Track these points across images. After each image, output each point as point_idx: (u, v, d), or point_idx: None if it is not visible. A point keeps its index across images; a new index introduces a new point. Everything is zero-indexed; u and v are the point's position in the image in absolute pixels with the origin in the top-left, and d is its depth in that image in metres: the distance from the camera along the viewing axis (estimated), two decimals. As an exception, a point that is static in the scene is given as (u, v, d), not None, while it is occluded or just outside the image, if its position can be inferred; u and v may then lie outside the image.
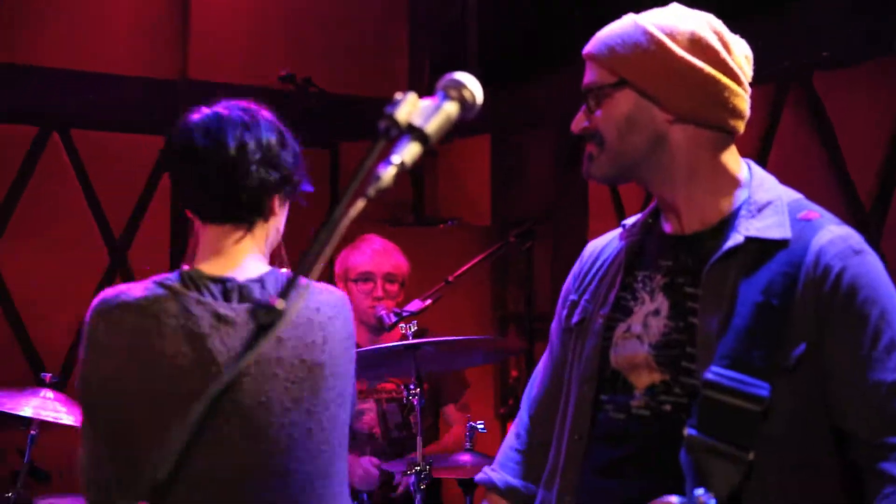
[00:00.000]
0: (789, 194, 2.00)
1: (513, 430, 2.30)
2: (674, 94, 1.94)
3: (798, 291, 1.86)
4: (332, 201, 5.23)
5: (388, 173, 1.40)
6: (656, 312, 2.00)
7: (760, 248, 1.91)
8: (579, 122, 1.99)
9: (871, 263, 1.91)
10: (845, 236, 1.91)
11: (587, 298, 2.14)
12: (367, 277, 4.28)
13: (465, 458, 3.89)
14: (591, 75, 1.97)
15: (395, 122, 1.47)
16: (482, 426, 3.94)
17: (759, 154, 4.06)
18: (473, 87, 1.50)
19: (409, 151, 1.45)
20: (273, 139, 2.32)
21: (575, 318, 2.14)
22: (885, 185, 3.81)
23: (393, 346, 3.47)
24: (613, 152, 1.97)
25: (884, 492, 1.78)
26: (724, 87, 1.95)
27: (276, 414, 2.13)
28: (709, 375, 1.86)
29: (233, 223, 2.28)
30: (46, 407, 3.62)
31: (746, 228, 1.93)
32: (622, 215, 4.59)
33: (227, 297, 2.13)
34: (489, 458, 3.88)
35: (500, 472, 2.26)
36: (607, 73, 1.96)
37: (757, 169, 2.05)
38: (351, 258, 4.36)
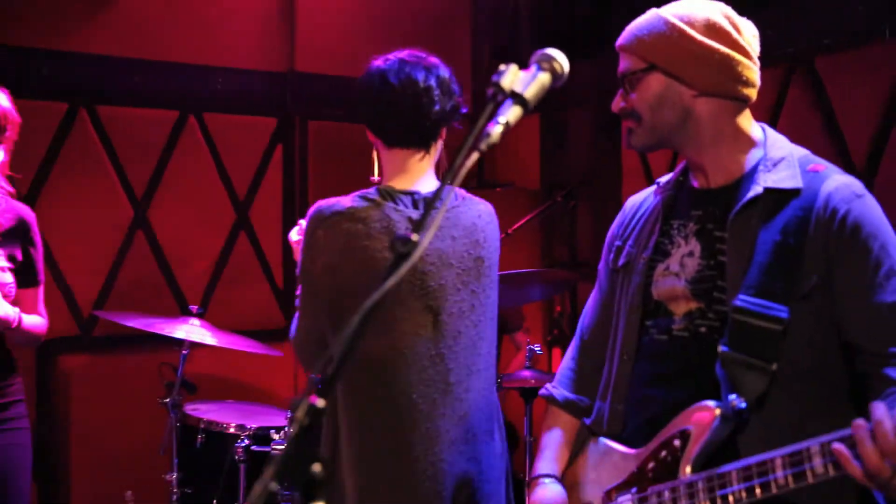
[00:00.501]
0: (799, 150, 1.97)
1: (568, 353, 2.26)
2: (696, 73, 1.92)
3: (810, 231, 1.83)
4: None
5: (496, 131, 1.40)
6: (690, 254, 1.97)
7: (777, 197, 1.88)
8: (617, 104, 1.99)
9: (871, 205, 1.88)
10: (848, 183, 1.88)
11: (630, 244, 2.10)
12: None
13: (526, 373, 3.88)
14: (624, 63, 1.97)
15: (500, 89, 1.45)
16: (539, 348, 3.93)
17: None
18: (562, 60, 1.51)
19: (512, 113, 1.45)
20: (446, 76, 2.36)
21: (621, 261, 2.10)
22: (875, 153, 3.74)
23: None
24: (649, 126, 1.96)
25: (888, 391, 1.75)
26: (738, 63, 1.92)
27: (449, 292, 2.26)
28: (737, 302, 1.84)
29: (416, 147, 2.35)
30: (194, 332, 3.68)
31: (765, 181, 1.90)
32: (650, 178, 4.49)
33: (415, 207, 2.21)
34: (544, 373, 3.89)
35: (559, 388, 2.23)
36: (638, 60, 1.95)
37: (770, 130, 2.01)
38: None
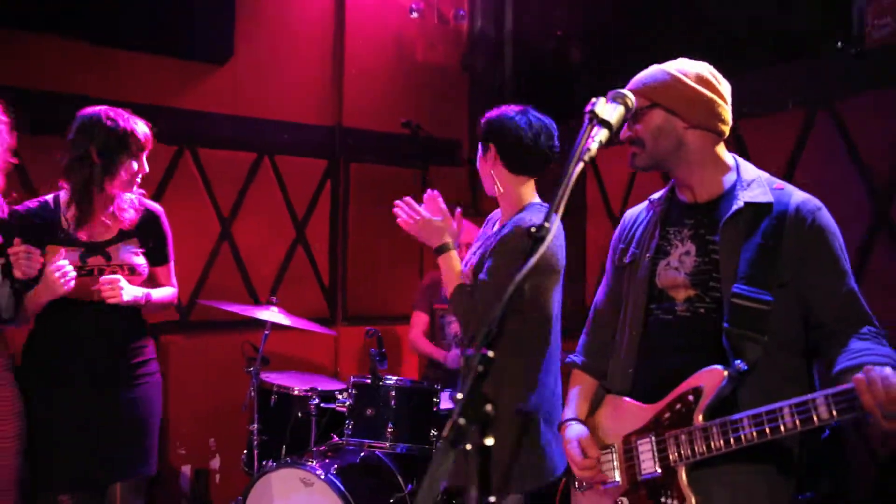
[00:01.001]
0: (764, 174, 1.98)
1: (585, 330, 2.25)
2: (688, 111, 1.94)
3: (784, 234, 1.84)
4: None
5: (594, 146, 1.56)
6: (687, 253, 1.96)
7: (755, 209, 1.88)
8: (625, 133, 2.00)
9: (828, 214, 1.90)
10: (810, 198, 1.91)
11: (633, 246, 2.09)
12: (464, 246, 4.31)
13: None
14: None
15: (595, 115, 1.62)
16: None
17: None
18: (631, 97, 1.67)
19: (602, 134, 1.60)
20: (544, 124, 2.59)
21: (627, 259, 2.10)
22: None
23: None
24: (650, 151, 1.99)
25: (846, 348, 1.79)
26: (719, 106, 1.95)
27: None
28: (735, 289, 1.84)
29: (532, 175, 2.58)
30: (274, 316, 3.78)
31: (744, 197, 1.90)
32: (610, 212, 4.64)
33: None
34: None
35: (579, 355, 2.23)
36: (644, 99, 1.96)
37: (740, 158, 2.02)
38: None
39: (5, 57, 3.97)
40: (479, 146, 2.68)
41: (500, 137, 2.59)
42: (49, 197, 2.74)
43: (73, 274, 2.52)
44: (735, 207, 1.90)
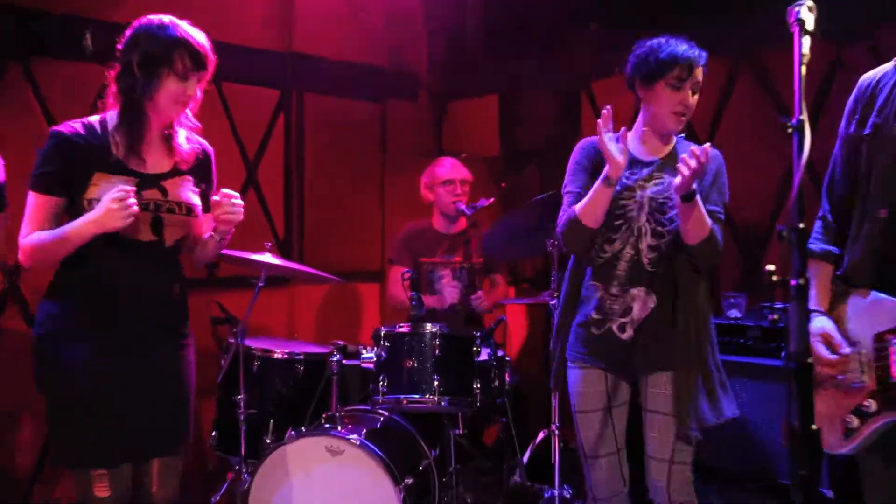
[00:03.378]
0: None
1: (821, 213, 2.24)
2: None
3: None
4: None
5: (805, 48, 1.67)
6: None
7: None
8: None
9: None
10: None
11: (875, 115, 2.04)
12: (451, 181, 4.28)
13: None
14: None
15: (800, 21, 1.70)
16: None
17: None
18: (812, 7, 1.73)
19: (807, 43, 1.70)
20: None
21: (866, 130, 2.06)
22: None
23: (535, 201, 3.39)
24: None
25: None
26: None
27: None
28: None
29: None
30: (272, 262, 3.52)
31: None
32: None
33: None
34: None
35: (815, 242, 2.20)
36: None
37: None
38: (436, 171, 4.37)
39: None
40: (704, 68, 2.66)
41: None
42: (95, 118, 2.51)
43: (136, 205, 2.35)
44: None
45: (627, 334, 2.59)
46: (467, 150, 5.20)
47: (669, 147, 2.70)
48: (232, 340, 3.50)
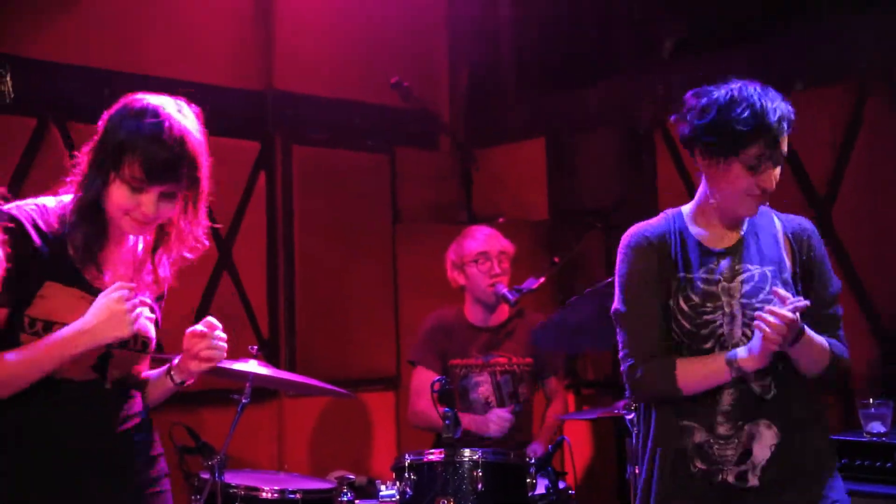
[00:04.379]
0: None
1: None
2: None
3: None
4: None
5: None
6: None
7: None
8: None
9: None
10: None
11: None
12: (485, 257, 4.38)
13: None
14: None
15: None
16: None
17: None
18: None
19: None
20: None
21: None
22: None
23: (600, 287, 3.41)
24: None
25: None
26: None
27: None
28: None
29: None
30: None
31: None
32: (690, 191, 4.76)
33: None
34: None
35: None
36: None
37: None
38: (465, 244, 4.46)
39: None
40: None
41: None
42: (52, 202, 2.51)
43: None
44: None
45: (752, 483, 2.60)
46: (506, 213, 5.32)
47: (744, 224, 2.74)
48: (206, 476, 3.53)
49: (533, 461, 3.42)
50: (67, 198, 2.49)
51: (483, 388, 4.40)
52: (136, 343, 2.51)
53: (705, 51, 4.74)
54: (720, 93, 2.59)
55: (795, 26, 4.44)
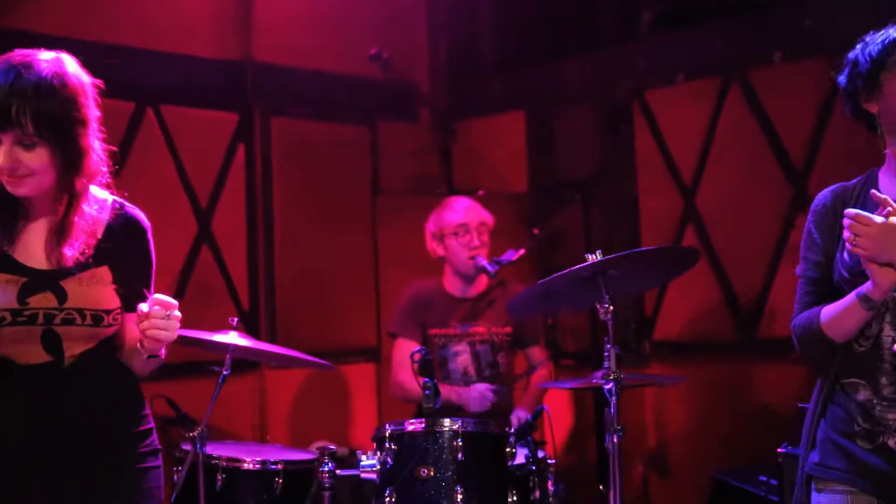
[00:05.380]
0: None
1: None
2: None
3: None
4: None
5: None
6: None
7: None
8: None
9: None
10: None
11: None
12: (465, 229, 4.36)
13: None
14: None
15: None
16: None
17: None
18: None
19: None
20: None
21: None
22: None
23: (582, 266, 3.31)
24: None
25: None
26: None
27: None
28: None
29: None
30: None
31: None
32: (672, 168, 4.83)
33: None
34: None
35: None
36: None
37: None
38: (445, 216, 4.43)
39: None
40: None
41: None
42: None
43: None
44: None
45: None
46: (486, 186, 5.31)
47: None
48: (188, 448, 3.54)
49: (513, 431, 3.42)
50: None
51: (462, 357, 4.41)
52: (83, 319, 2.45)
53: (683, 24, 4.74)
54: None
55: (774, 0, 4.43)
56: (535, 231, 4.48)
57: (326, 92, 5.20)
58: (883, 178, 2.60)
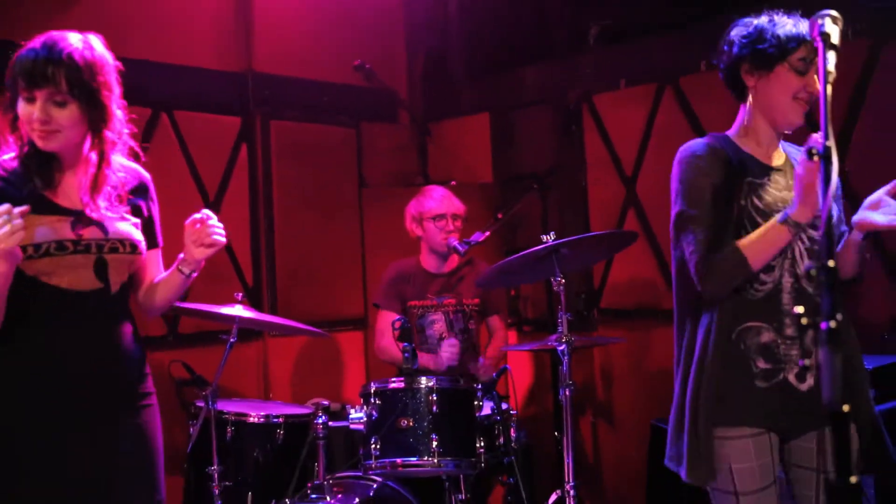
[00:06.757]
0: None
1: None
2: None
3: None
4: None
5: (832, 70, 1.87)
6: None
7: None
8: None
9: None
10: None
11: None
12: (442, 216, 4.44)
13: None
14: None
15: (827, 39, 1.92)
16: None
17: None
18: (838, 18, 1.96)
19: (832, 59, 1.92)
20: None
21: None
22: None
23: (539, 249, 3.47)
24: None
25: None
26: None
27: None
28: None
29: None
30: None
31: None
32: (618, 166, 4.91)
33: None
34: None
35: None
36: None
37: None
38: (425, 203, 4.54)
39: None
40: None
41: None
42: (8, 156, 2.50)
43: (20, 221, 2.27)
44: None
45: (808, 383, 2.45)
46: (457, 177, 5.42)
47: (779, 148, 2.63)
48: (201, 405, 3.61)
49: (480, 388, 3.52)
50: (8, 156, 2.47)
51: (437, 325, 4.54)
52: (124, 247, 2.49)
53: (625, 38, 4.83)
54: (758, 20, 2.55)
55: (716, 17, 4.44)
56: (500, 216, 4.58)
57: (317, 98, 5.27)
58: (739, 140, 2.59)
